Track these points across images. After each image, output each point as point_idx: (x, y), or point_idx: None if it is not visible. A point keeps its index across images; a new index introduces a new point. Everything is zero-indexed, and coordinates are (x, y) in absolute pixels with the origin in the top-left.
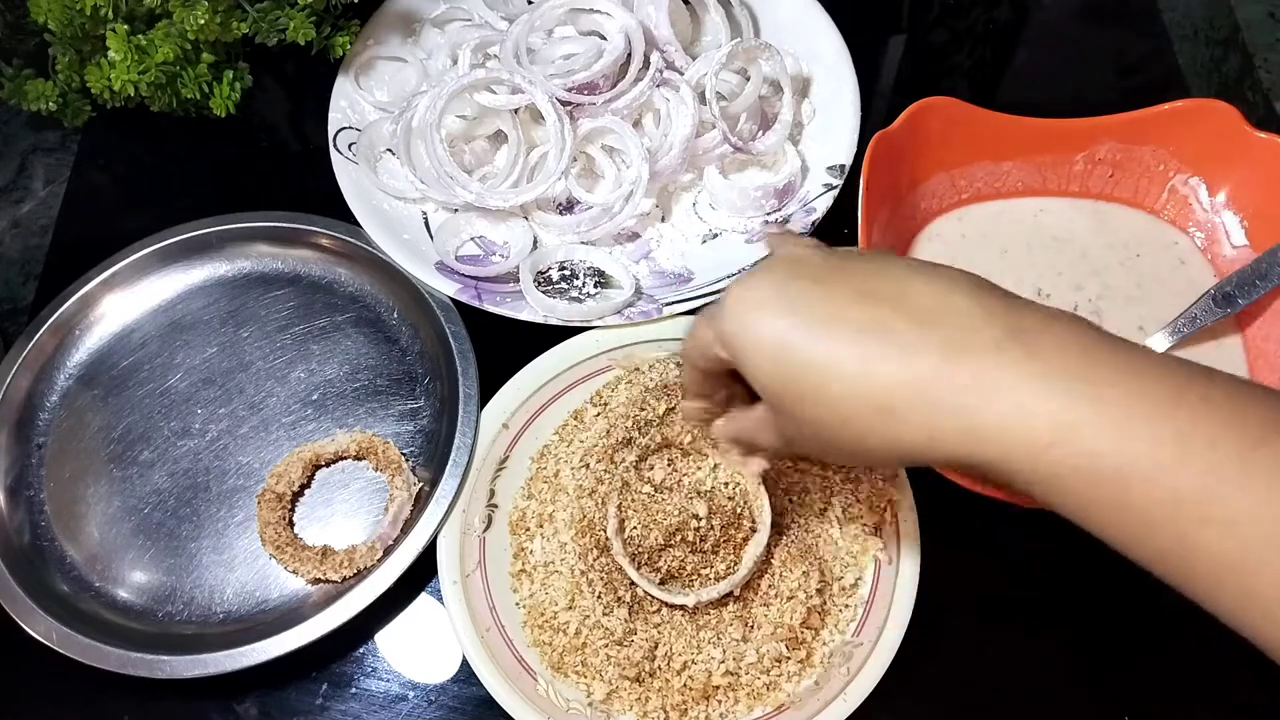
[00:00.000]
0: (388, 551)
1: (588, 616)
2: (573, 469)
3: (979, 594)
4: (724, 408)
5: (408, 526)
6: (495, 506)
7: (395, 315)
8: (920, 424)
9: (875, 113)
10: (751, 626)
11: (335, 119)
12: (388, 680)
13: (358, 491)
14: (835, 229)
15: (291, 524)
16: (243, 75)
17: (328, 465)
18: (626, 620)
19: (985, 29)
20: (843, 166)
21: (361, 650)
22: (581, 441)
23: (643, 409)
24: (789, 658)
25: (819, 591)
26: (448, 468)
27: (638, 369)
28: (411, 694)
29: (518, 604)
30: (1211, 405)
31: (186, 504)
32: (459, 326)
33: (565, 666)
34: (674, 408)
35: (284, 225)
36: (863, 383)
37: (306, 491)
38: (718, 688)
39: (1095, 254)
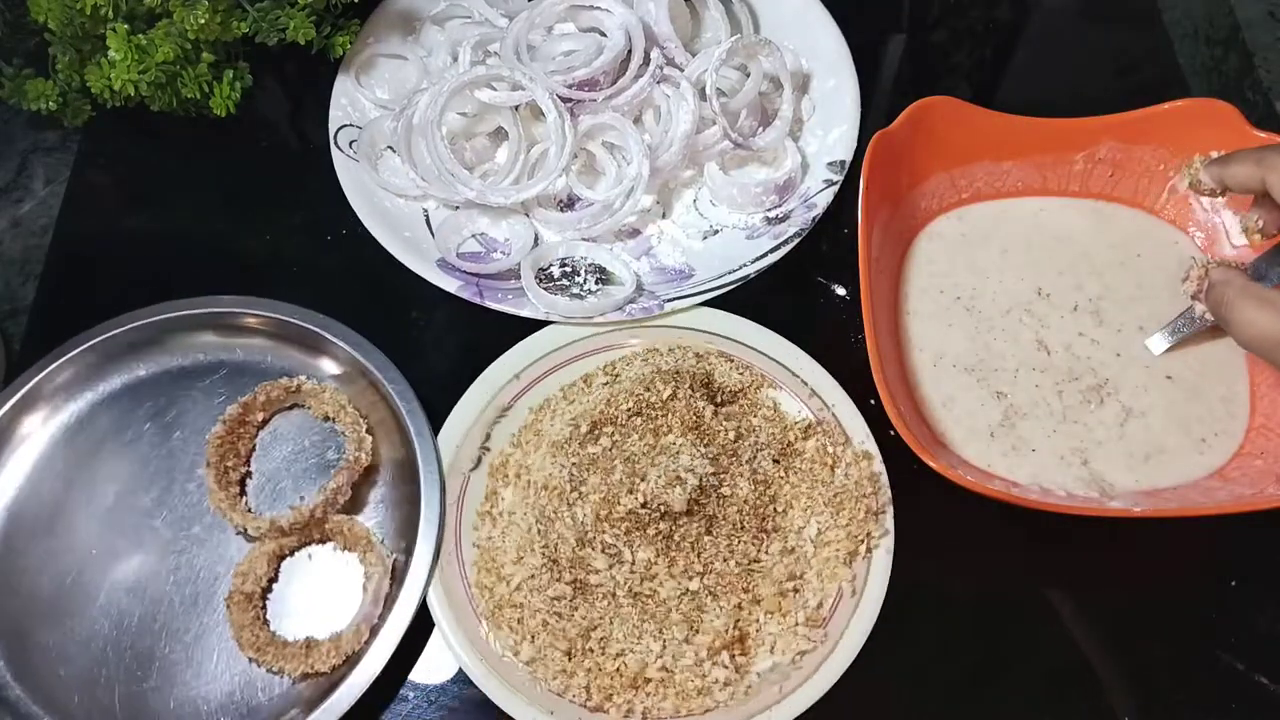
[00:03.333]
0: (374, 632)
1: (532, 576)
2: (561, 425)
3: (944, 611)
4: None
5: (389, 601)
6: (487, 449)
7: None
8: None
9: (875, 112)
10: (696, 630)
11: (336, 116)
12: (388, 680)
13: (331, 573)
14: (836, 227)
15: (266, 622)
16: (243, 75)
17: (292, 554)
18: (570, 596)
19: (985, 29)
20: (843, 163)
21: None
22: (581, 403)
23: (648, 389)
24: (728, 666)
25: (775, 606)
26: (420, 528)
27: (656, 349)
28: (412, 694)
29: (474, 544)
30: None
31: (148, 626)
32: (403, 385)
33: (500, 618)
34: (676, 395)
35: (200, 312)
36: None
37: (275, 585)
38: (649, 680)
39: (1095, 254)
